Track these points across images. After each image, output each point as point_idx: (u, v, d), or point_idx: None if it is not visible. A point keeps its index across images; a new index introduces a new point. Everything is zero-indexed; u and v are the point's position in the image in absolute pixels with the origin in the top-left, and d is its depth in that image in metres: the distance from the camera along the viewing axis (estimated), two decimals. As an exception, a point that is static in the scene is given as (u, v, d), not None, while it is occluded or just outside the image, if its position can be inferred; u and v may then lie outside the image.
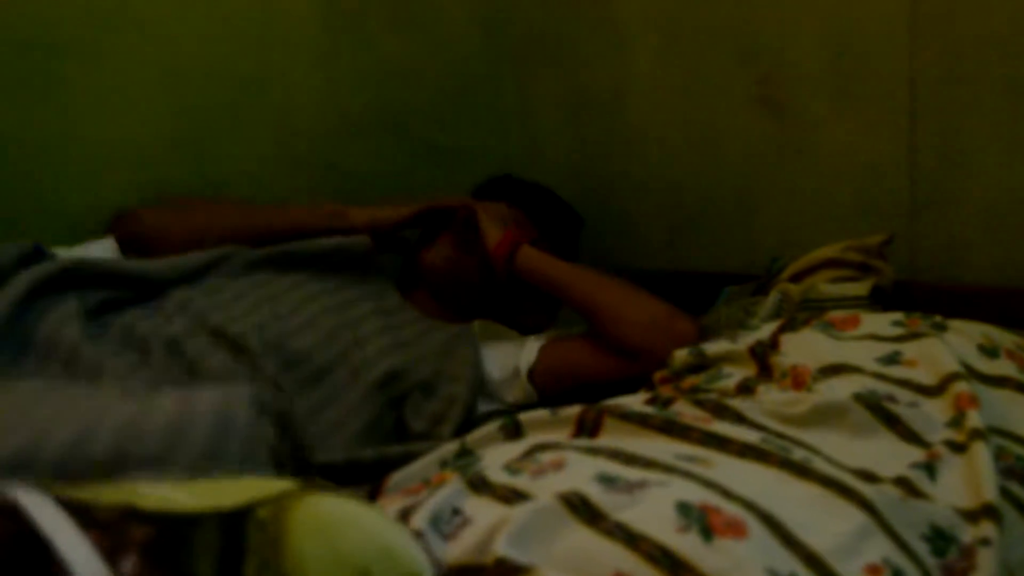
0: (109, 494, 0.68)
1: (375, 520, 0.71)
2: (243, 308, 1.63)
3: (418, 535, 0.88)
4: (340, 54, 2.20)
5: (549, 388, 1.72)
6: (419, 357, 1.69)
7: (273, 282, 1.73)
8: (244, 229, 1.83)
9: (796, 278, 1.89)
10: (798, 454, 1.05)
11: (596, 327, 1.74)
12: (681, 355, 1.45)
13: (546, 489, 0.95)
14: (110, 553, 0.64)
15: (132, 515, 0.66)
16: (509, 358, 1.76)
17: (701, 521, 0.87)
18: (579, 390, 1.63)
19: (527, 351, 1.76)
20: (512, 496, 0.96)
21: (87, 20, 1.87)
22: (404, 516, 0.93)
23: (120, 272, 1.62)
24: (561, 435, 1.19)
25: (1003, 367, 1.31)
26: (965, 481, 1.05)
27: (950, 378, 1.23)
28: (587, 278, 1.80)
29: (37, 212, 1.84)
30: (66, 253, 1.67)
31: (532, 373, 1.74)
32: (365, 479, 1.37)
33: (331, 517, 0.69)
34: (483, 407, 1.69)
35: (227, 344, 1.54)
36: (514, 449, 1.14)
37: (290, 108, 2.13)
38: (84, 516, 0.65)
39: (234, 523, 0.67)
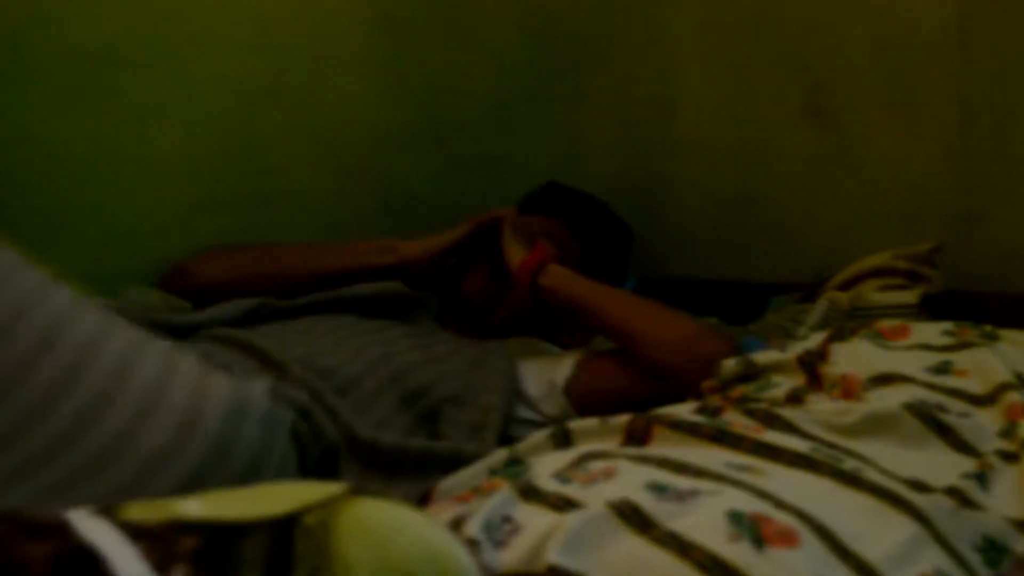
0: (154, 507, 0.69)
1: (422, 525, 0.71)
2: (273, 336, 1.65)
3: (472, 544, 0.89)
4: (390, 66, 2.21)
5: (585, 404, 1.68)
6: (449, 371, 1.68)
7: (303, 320, 1.75)
8: (294, 272, 1.87)
9: (844, 286, 1.88)
10: (849, 464, 1.05)
11: (625, 348, 1.72)
12: (729, 365, 1.45)
13: (597, 497, 0.95)
14: (159, 564, 0.65)
15: (179, 526, 0.67)
16: (545, 372, 1.74)
17: (753, 530, 0.87)
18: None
19: (563, 365, 1.74)
20: (563, 504, 0.96)
21: (141, 32, 1.89)
22: (457, 524, 0.94)
23: (152, 319, 1.65)
24: (611, 444, 1.19)
25: (1055, 377, 1.30)
26: (1018, 491, 1.05)
27: (1001, 388, 1.22)
28: (615, 299, 1.77)
29: (89, 223, 1.86)
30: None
31: (569, 388, 1.71)
32: (410, 471, 1.38)
33: (378, 522, 0.69)
34: (522, 414, 1.69)
35: (256, 355, 1.56)
36: (564, 457, 1.14)
37: (341, 120, 2.14)
38: (131, 529, 0.66)
39: (281, 531, 0.67)
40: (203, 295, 1.82)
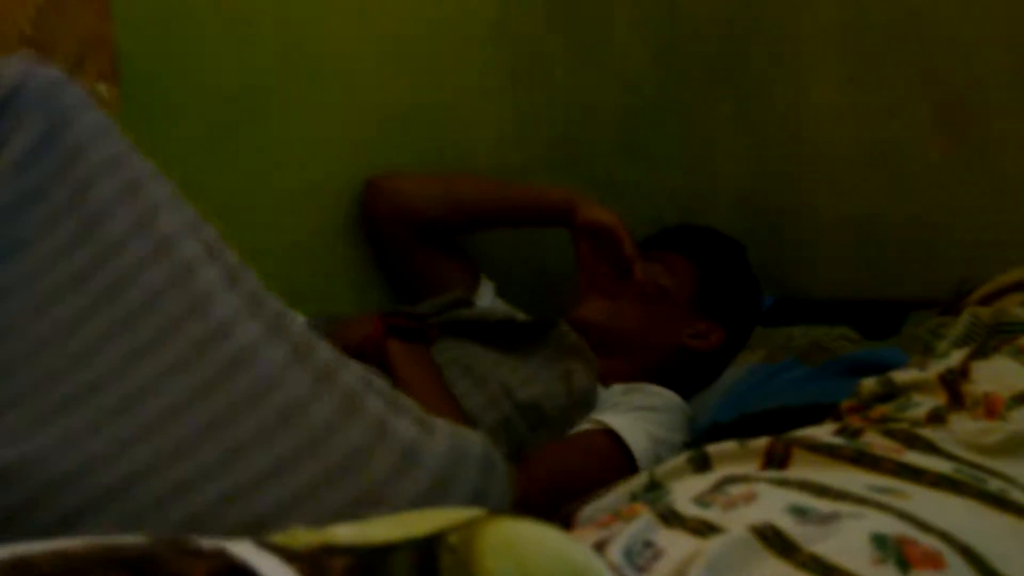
0: (304, 535, 0.72)
1: (562, 541, 0.73)
2: None
3: (614, 568, 0.90)
4: (519, 91, 2.24)
5: None
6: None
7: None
8: (476, 200, 2.03)
9: (985, 300, 1.85)
10: (993, 485, 1.03)
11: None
12: (869, 384, 1.43)
13: (738, 521, 0.95)
14: (313, 580, 0.68)
15: (330, 549, 0.70)
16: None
17: (897, 553, 0.87)
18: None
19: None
20: (704, 528, 0.97)
21: (275, 69, 1.95)
22: (599, 548, 0.95)
23: None
24: (750, 467, 1.18)
25: None
26: None
27: None
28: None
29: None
30: None
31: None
32: None
33: (519, 539, 0.70)
34: None
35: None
36: (703, 481, 1.14)
37: (471, 146, 2.18)
38: (284, 553, 0.69)
39: (426, 549, 0.69)
40: (392, 210, 2.00)
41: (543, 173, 2.23)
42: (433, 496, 1.04)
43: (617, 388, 1.81)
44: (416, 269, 2.03)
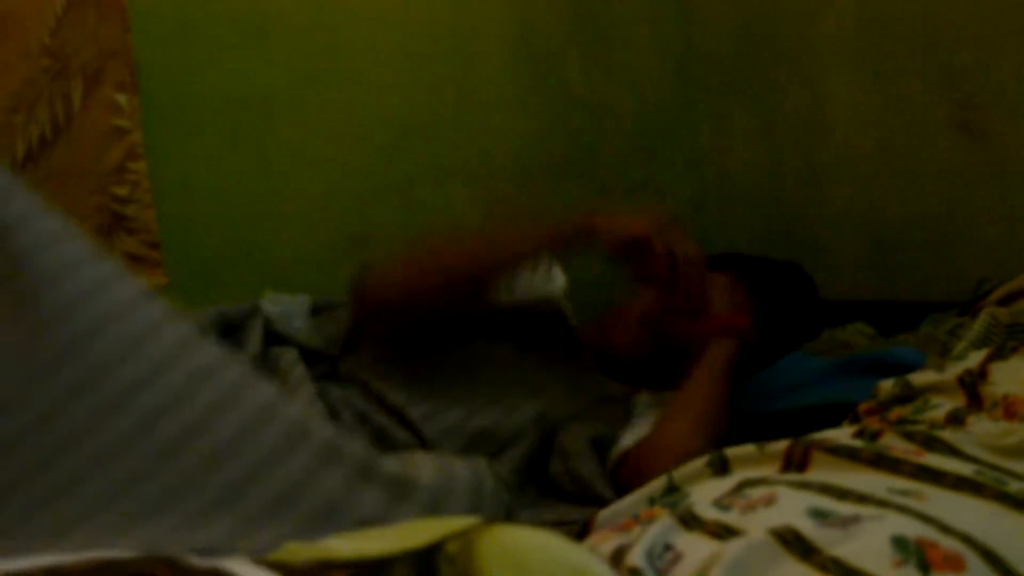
0: (302, 551, 0.72)
1: (561, 545, 0.73)
2: (423, 390, 1.64)
3: (635, 572, 0.90)
4: (535, 98, 2.25)
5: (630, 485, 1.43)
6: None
7: (462, 353, 1.74)
8: (458, 275, 1.65)
9: (1004, 301, 1.84)
10: (1014, 486, 1.03)
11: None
12: (887, 386, 1.43)
13: (757, 524, 0.95)
14: (313, 599, 0.68)
15: (328, 565, 0.70)
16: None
17: (918, 555, 0.86)
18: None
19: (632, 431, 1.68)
20: (723, 532, 0.97)
21: (294, 76, 1.96)
22: (619, 553, 0.95)
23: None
24: (769, 470, 1.18)
25: None
26: None
27: None
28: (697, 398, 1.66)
29: (249, 261, 1.92)
30: (271, 304, 1.73)
31: (625, 459, 1.63)
32: None
33: (518, 544, 0.70)
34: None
35: (401, 423, 1.59)
36: (722, 485, 1.14)
37: (489, 152, 2.18)
38: (282, 569, 0.69)
39: (425, 560, 0.69)
40: (375, 310, 1.68)
41: (562, 178, 2.23)
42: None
43: (643, 398, 1.81)
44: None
